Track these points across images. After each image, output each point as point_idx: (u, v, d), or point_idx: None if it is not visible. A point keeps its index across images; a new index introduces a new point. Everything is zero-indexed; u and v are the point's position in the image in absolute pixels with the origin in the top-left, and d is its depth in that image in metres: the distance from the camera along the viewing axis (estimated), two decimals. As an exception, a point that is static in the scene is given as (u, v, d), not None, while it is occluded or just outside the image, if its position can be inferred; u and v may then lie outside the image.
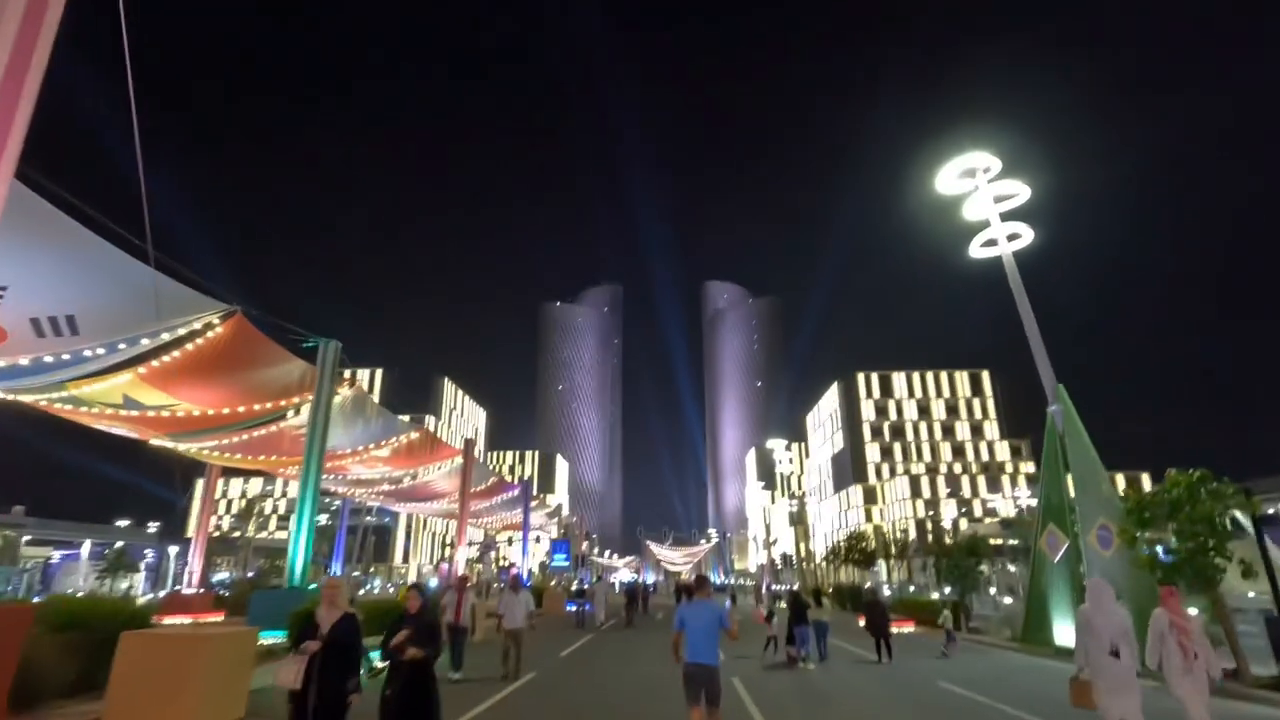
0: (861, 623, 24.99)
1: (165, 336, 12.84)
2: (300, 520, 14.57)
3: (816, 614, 14.24)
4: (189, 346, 13.32)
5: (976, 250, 13.99)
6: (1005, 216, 13.65)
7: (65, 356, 12.23)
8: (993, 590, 25.18)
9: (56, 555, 62.39)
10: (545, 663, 14.74)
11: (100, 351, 12.54)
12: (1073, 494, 13.16)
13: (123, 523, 73.49)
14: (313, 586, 14.47)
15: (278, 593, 13.70)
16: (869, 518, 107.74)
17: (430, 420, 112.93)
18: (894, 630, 14.85)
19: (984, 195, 13.49)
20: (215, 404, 16.33)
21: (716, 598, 8.00)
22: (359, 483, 28.52)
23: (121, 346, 12.60)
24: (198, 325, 13.01)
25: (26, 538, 57.36)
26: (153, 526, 73.85)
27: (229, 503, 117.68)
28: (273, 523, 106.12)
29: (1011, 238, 13.48)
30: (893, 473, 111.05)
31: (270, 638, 12.85)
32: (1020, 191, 13.31)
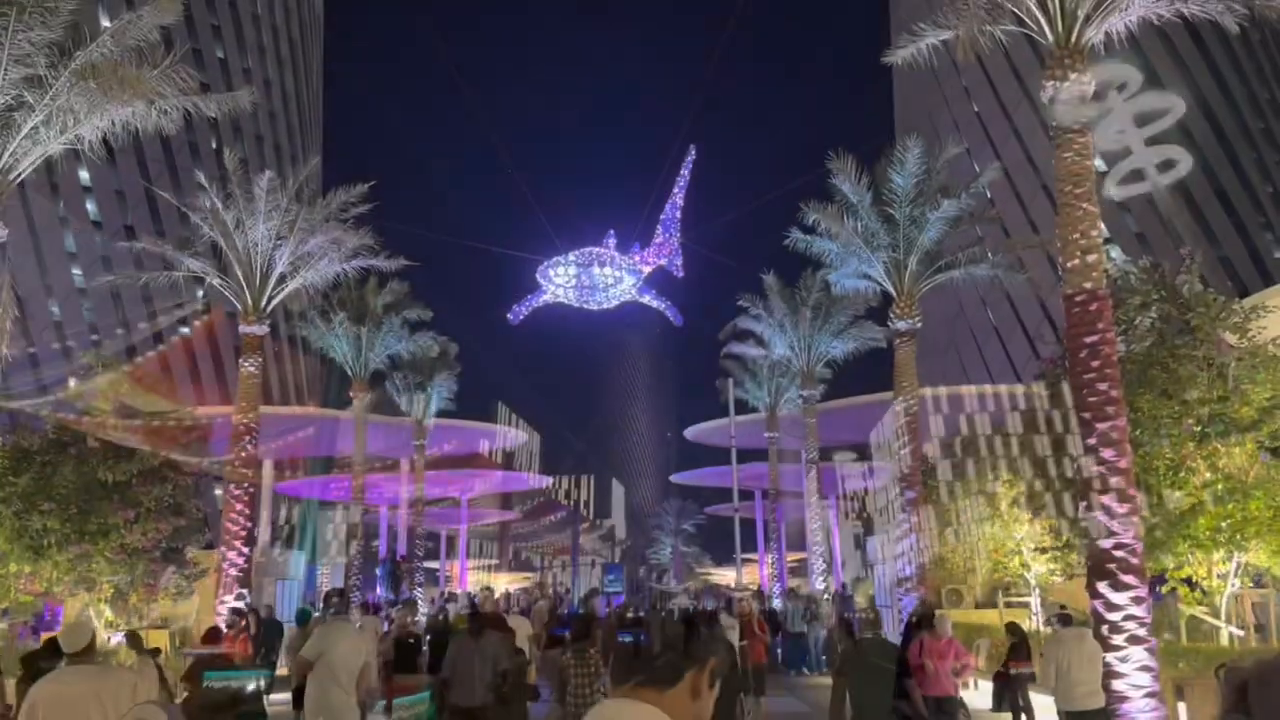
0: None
1: (143, 327, 11.27)
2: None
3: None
4: (172, 340, 11.76)
5: (1113, 189, 11.16)
6: (1150, 142, 10.82)
7: (31, 350, 10.80)
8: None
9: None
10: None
11: (71, 345, 11.06)
12: None
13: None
14: (316, 614, 12.54)
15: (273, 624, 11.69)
16: (942, 539, 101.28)
17: (485, 445, 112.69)
18: (1015, 671, 11.50)
19: (1121, 117, 10.68)
20: (218, 409, 14.78)
21: None
22: (396, 498, 27.06)
23: (94, 338, 11.09)
24: (178, 317, 11.41)
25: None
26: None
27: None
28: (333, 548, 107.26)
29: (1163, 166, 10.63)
30: (966, 491, 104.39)
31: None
32: (1171, 106, 10.50)
